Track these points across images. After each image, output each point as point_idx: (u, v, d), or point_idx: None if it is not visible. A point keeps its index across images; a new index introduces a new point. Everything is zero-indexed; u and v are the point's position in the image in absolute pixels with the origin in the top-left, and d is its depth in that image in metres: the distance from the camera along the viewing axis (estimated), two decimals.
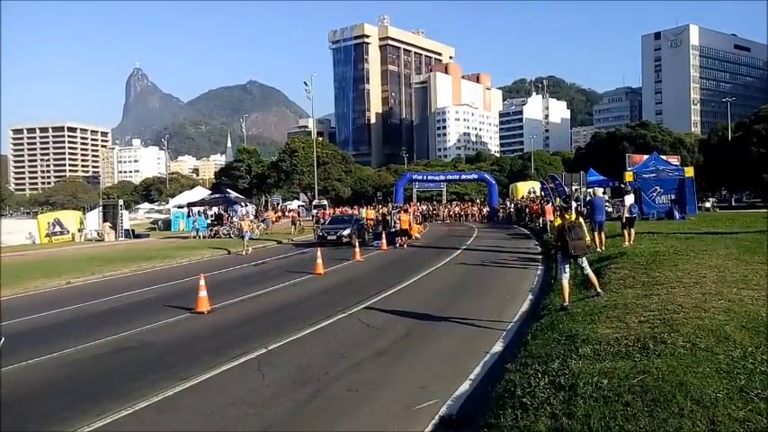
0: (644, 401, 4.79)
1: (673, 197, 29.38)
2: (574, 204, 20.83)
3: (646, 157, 34.86)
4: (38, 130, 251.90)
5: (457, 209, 52.88)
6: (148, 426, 5.98)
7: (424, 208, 53.36)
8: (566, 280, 9.73)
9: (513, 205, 46.62)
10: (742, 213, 38.10)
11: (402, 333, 9.59)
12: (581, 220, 10.22)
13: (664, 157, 35.87)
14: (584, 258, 10.01)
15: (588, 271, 10.12)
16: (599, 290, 10.00)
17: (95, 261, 21.86)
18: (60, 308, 13.16)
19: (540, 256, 20.18)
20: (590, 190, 23.72)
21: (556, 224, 10.42)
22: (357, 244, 23.28)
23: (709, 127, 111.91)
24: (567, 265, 9.86)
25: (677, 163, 35.63)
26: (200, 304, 11.85)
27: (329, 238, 27.06)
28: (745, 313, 7.47)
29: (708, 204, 50.01)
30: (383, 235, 26.05)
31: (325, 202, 64.92)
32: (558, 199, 31.59)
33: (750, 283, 9.59)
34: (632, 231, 17.81)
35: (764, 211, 42.14)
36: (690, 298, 8.63)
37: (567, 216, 10.00)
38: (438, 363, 7.86)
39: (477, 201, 62.33)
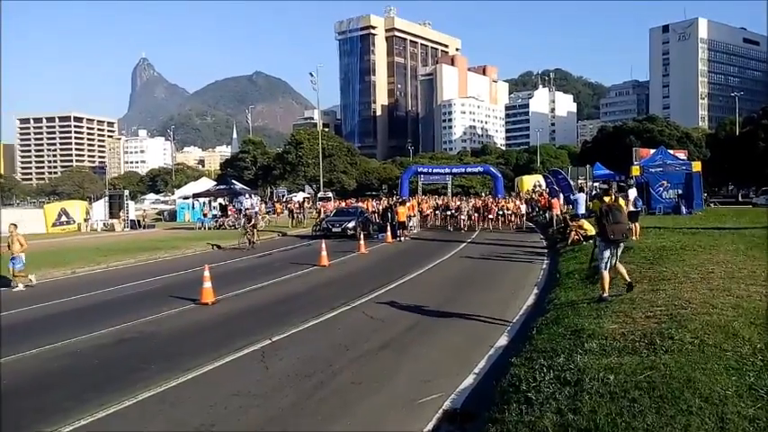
0: (651, 398, 4.74)
1: (680, 192, 29.26)
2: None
3: (653, 151, 34.70)
4: (44, 120, 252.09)
5: (493, 206, 31.42)
6: (151, 416, 5.96)
7: (450, 202, 35.44)
8: (605, 269, 9.11)
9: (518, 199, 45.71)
10: (746, 210, 37.85)
11: (406, 326, 9.55)
12: (621, 202, 9.60)
13: (671, 151, 35.70)
14: (621, 245, 9.32)
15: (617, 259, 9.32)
16: (627, 279, 9.28)
17: (101, 251, 21.89)
18: (64, 297, 13.16)
19: (546, 250, 20.10)
20: (596, 184, 23.60)
21: (595, 208, 9.62)
22: (362, 236, 23.27)
23: (717, 121, 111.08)
24: (608, 252, 9.12)
25: (684, 157, 35.48)
26: (205, 295, 11.84)
27: (334, 230, 27.08)
28: (754, 309, 7.39)
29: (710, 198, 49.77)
30: (388, 227, 25.98)
31: (330, 194, 64.88)
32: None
33: (758, 279, 9.50)
34: (637, 225, 17.72)
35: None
36: (697, 293, 8.54)
37: (607, 199, 9.36)
38: (442, 356, 7.82)
39: (483, 194, 61.84)
